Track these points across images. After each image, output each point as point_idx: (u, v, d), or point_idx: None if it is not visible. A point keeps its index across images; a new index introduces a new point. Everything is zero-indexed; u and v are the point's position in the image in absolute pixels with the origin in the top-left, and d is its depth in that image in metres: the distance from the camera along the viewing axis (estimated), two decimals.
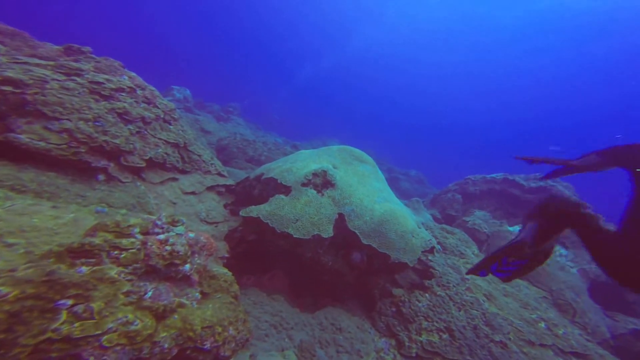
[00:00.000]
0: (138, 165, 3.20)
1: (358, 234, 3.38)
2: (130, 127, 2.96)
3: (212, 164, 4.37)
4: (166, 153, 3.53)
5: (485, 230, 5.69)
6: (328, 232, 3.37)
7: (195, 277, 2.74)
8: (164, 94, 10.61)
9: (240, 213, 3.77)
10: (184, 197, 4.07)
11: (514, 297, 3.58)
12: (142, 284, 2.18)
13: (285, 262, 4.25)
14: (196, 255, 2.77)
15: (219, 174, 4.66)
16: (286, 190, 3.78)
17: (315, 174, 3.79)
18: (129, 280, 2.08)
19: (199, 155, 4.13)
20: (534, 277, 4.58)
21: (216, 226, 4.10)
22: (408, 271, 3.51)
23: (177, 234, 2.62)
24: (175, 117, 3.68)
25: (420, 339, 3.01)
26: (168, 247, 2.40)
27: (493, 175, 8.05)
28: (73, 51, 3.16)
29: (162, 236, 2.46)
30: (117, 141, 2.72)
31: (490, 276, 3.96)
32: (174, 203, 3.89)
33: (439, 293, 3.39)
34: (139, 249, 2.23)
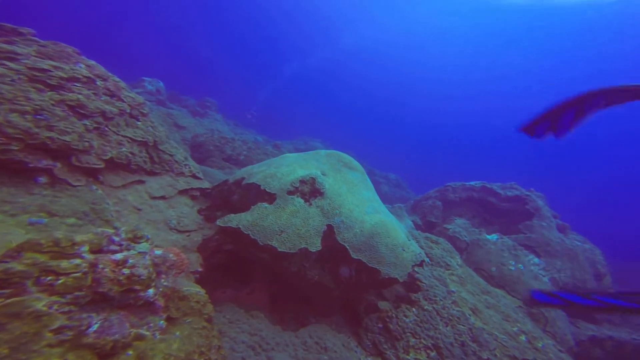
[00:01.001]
0: (94, 166, 2.73)
1: (347, 247, 3.17)
2: (87, 122, 2.50)
3: (185, 164, 3.94)
4: (131, 153, 3.07)
5: (465, 239, 5.78)
6: (316, 245, 3.12)
7: (161, 302, 2.37)
8: (134, 86, 9.70)
9: (218, 223, 3.41)
10: (151, 202, 3.61)
11: (496, 309, 3.61)
12: (84, 315, 1.79)
13: (266, 275, 3.94)
14: (163, 277, 2.40)
15: (194, 176, 4.23)
16: (270, 198, 3.48)
17: (303, 181, 3.52)
18: (65, 313, 1.69)
19: (171, 155, 3.69)
20: (510, 285, 4.70)
21: (188, 235, 3.70)
22: (396, 284, 3.38)
23: (139, 252, 2.23)
24: (144, 112, 3.23)
25: (408, 357, 2.88)
26: (126, 270, 2.02)
27: (472, 183, 8.28)
28: (5, 31, 2.59)
29: (119, 255, 2.07)
30: (66, 138, 2.26)
31: (472, 288, 3.97)
32: (139, 209, 3.43)
33: (426, 307, 3.29)
34: (85, 273, 1.84)
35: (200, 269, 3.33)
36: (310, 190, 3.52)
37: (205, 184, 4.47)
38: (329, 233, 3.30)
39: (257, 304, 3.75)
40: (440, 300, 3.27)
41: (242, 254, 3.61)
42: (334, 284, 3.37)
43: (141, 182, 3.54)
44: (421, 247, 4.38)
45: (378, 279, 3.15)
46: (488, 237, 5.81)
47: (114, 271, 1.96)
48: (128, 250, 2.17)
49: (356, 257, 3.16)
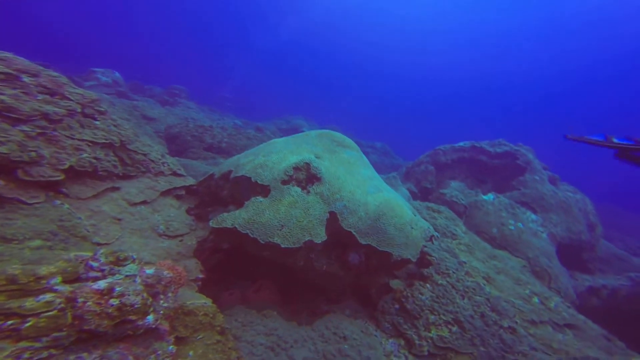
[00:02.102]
0: (51, 178, 2.29)
1: (354, 233, 2.97)
2: (25, 128, 2.02)
3: (163, 162, 3.50)
4: (95, 158, 2.62)
5: (462, 202, 5.77)
6: (321, 236, 2.90)
7: (165, 326, 2.11)
8: (84, 79, 8.54)
9: (211, 224, 3.09)
10: (132, 209, 3.21)
11: (506, 274, 3.64)
12: (72, 357, 1.53)
13: (272, 270, 3.74)
14: (161, 297, 2.11)
15: (175, 174, 3.80)
16: (263, 190, 3.16)
17: (296, 168, 3.20)
18: (45, 359, 1.43)
19: (145, 154, 3.23)
20: (512, 246, 4.78)
21: (181, 240, 3.37)
22: (408, 265, 3.27)
23: (126, 277, 1.91)
24: (101, 109, 2.72)
25: (430, 335, 2.84)
26: (114, 301, 1.71)
27: (461, 143, 8.19)
28: None
29: (102, 284, 1.76)
30: (1, 149, 1.81)
31: (480, 255, 3.96)
32: (119, 219, 3.04)
33: (439, 282, 3.23)
34: (61, 310, 1.55)
35: (201, 276, 3.06)
36: (306, 176, 3.22)
37: (190, 181, 4.07)
38: (332, 220, 3.08)
39: (267, 302, 3.58)
40: (453, 272, 3.20)
41: (244, 252, 3.36)
42: (343, 271, 3.22)
43: (115, 189, 3.11)
44: (425, 219, 4.27)
45: (390, 262, 3.02)
46: (484, 197, 5.82)
47: (99, 303, 1.65)
48: (112, 275, 1.86)
49: (365, 243, 2.98)
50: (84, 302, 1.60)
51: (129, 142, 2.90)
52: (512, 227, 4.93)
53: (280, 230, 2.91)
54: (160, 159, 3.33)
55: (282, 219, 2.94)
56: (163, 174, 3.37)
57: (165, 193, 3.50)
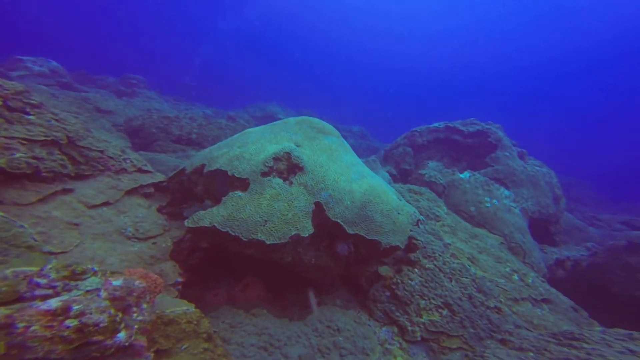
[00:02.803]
0: None
1: (341, 223, 2.86)
2: None
3: (124, 158, 3.11)
4: (34, 157, 2.21)
5: (441, 182, 5.90)
6: (308, 228, 2.75)
7: (142, 341, 1.88)
8: (7, 69, 7.24)
9: (186, 223, 2.82)
10: (91, 212, 2.84)
11: (488, 253, 3.78)
12: None
13: (258, 266, 3.57)
14: (134, 310, 1.87)
15: (140, 170, 3.42)
16: (242, 184, 2.92)
17: (276, 158, 2.98)
18: None
19: (101, 151, 2.83)
20: (489, 223, 4.99)
21: (154, 242, 3.08)
22: (397, 251, 3.25)
23: (86, 292, 1.66)
24: (34, 102, 2.28)
25: (422, 320, 2.87)
26: (72, 322, 1.46)
27: (435, 124, 8.33)
28: None
29: (54, 303, 1.49)
30: None
31: (463, 235, 4.06)
32: (76, 224, 2.68)
33: (427, 266, 3.26)
34: None
35: (180, 279, 2.83)
36: (287, 167, 3.01)
37: (158, 177, 3.70)
38: (318, 210, 2.94)
39: (255, 300, 3.42)
40: (439, 255, 3.24)
41: (225, 249, 3.15)
42: (333, 262, 3.13)
43: (68, 191, 2.72)
44: (408, 202, 4.28)
45: (379, 250, 2.97)
46: (461, 176, 5.98)
47: (49, 326, 1.39)
48: (69, 291, 1.59)
49: (352, 232, 2.88)
50: (26, 327, 1.33)
51: (79, 138, 2.50)
52: (489, 205, 5.14)
53: (264, 225, 2.72)
54: (120, 155, 2.94)
55: (265, 214, 2.75)
56: (126, 171, 3.00)
57: (131, 192, 3.13)
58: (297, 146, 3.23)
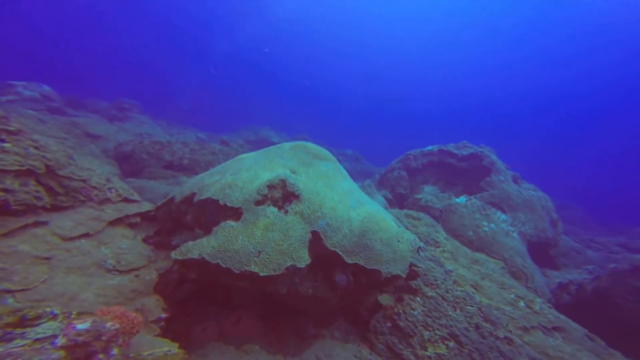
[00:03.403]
0: None
1: (340, 252, 2.72)
2: None
3: (109, 188, 2.95)
4: (3, 189, 2.05)
5: (437, 207, 5.85)
6: (304, 259, 2.59)
7: None
8: None
9: (173, 255, 2.63)
10: (67, 245, 2.62)
11: (491, 279, 3.63)
12: None
13: (251, 299, 3.32)
14: (100, 358, 1.65)
15: (126, 200, 3.25)
16: (235, 213, 2.79)
17: (271, 186, 2.88)
18: None
19: (83, 180, 2.68)
20: (488, 247, 4.89)
21: (137, 274, 2.85)
22: (398, 281, 3.08)
23: (33, 341, 1.47)
24: (11, 128, 2.17)
25: (427, 353, 2.65)
26: None
27: (429, 148, 8.46)
28: None
29: None
30: None
31: (464, 261, 3.93)
32: (47, 258, 2.46)
33: (429, 294, 3.08)
34: None
35: (163, 315, 2.58)
36: (282, 195, 2.91)
37: (146, 206, 3.52)
38: (315, 240, 2.80)
39: (248, 334, 3.13)
40: (442, 283, 3.08)
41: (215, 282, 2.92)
42: (331, 293, 2.93)
43: (40, 223, 2.52)
44: (406, 228, 4.17)
45: (379, 280, 2.80)
46: (457, 200, 5.96)
47: None
48: (8, 342, 1.38)
49: (351, 262, 2.73)
50: None
51: (60, 167, 2.36)
52: (487, 229, 5.07)
53: (257, 256, 2.55)
54: (105, 185, 2.79)
55: (259, 244, 2.59)
56: (110, 201, 2.83)
57: (115, 222, 2.94)
58: (292, 173, 3.15)
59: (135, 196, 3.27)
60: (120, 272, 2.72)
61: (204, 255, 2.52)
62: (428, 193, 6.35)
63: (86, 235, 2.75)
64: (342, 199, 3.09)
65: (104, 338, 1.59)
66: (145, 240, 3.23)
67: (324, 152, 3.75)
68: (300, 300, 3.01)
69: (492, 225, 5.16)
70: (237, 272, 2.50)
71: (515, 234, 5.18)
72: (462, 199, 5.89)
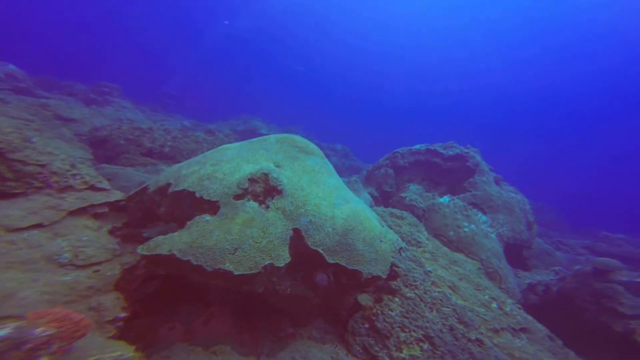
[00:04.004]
0: None
1: (322, 252, 2.63)
2: None
3: (73, 174, 2.72)
4: None
5: (421, 206, 5.89)
6: (284, 257, 2.49)
7: None
8: None
9: (139, 250, 2.45)
10: (13, 236, 2.39)
11: (467, 280, 3.68)
12: None
13: (225, 296, 3.20)
14: None
15: (92, 188, 3.01)
16: (211, 207, 2.64)
17: (252, 180, 2.75)
18: None
19: (41, 165, 2.44)
20: (467, 248, 4.98)
21: (97, 269, 2.66)
22: (379, 281, 3.05)
23: None
24: None
25: (402, 355, 2.65)
26: None
27: (417, 146, 8.50)
28: None
29: None
30: None
31: (443, 262, 3.96)
32: None
33: (408, 295, 3.08)
34: None
35: (122, 315, 2.41)
36: (264, 189, 2.78)
37: (116, 195, 3.29)
38: (297, 237, 2.70)
39: (219, 333, 3.01)
40: (421, 284, 3.08)
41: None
42: (310, 292, 2.86)
43: None
44: (390, 227, 4.15)
45: (360, 281, 2.75)
46: (441, 200, 6.02)
47: None
48: None
49: (333, 261, 2.66)
50: None
51: (12, 149, 2.13)
52: (467, 230, 5.16)
53: (233, 254, 2.42)
54: (69, 170, 2.56)
55: (235, 241, 2.46)
56: (73, 189, 2.61)
57: (77, 212, 2.72)
58: (276, 166, 3.02)
59: (105, 184, 3.05)
60: (78, 267, 2.52)
61: (175, 252, 2.37)
62: (413, 192, 6.38)
63: (39, 226, 2.52)
64: (327, 196, 3.00)
65: (27, 346, 1.41)
66: (111, 232, 3.02)
67: (311, 146, 3.63)
68: (277, 299, 2.93)
69: (473, 226, 5.26)
70: (210, 269, 2.37)
71: (493, 235, 5.30)
72: (445, 199, 5.96)
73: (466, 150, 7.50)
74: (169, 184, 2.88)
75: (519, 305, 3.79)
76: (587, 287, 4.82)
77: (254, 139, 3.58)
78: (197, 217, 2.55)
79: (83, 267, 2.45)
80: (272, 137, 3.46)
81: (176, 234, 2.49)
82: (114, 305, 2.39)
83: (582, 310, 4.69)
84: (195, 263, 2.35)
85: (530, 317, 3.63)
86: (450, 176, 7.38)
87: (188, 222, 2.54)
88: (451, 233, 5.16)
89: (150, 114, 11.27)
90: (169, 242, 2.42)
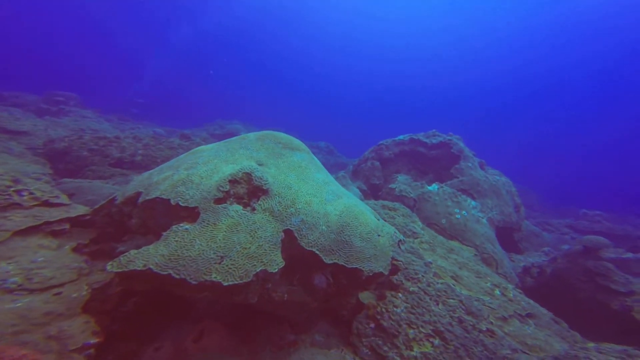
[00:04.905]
0: None
1: (317, 252, 2.41)
2: None
3: (18, 190, 2.32)
4: None
5: (412, 196, 5.81)
6: (277, 262, 2.24)
7: None
8: None
9: (108, 268, 2.12)
10: None
11: (468, 268, 3.60)
12: None
13: (216, 309, 2.90)
14: None
15: (46, 204, 2.61)
16: (190, 214, 2.34)
17: (234, 181, 2.47)
18: None
19: None
20: (461, 235, 4.94)
21: (58, 292, 2.30)
22: (381, 278, 2.87)
23: None
24: None
25: (413, 353, 2.48)
26: None
27: (400, 137, 8.47)
28: None
29: None
30: None
31: (441, 251, 3.86)
32: None
33: (411, 289, 2.93)
34: None
35: (92, 341, 2.09)
36: (247, 190, 2.51)
37: (78, 210, 2.89)
38: (289, 239, 2.46)
39: (214, 349, 2.70)
40: (423, 276, 2.94)
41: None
42: (309, 296, 2.63)
43: None
44: (384, 219, 3.99)
45: (361, 279, 2.56)
46: (430, 188, 5.98)
47: None
48: None
49: (330, 261, 2.44)
50: None
51: None
52: (459, 216, 5.13)
53: (219, 263, 2.15)
54: (11, 187, 2.17)
55: (221, 249, 2.18)
56: (20, 207, 2.22)
57: (27, 231, 2.32)
58: (259, 165, 2.76)
59: (62, 199, 2.65)
60: (31, 291, 2.15)
61: (151, 266, 2.05)
62: (402, 182, 6.30)
63: None
64: (317, 192, 2.78)
65: None
66: (76, 249, 2.64)
67: (295, 141, 3.40)
68: (274, 307, 2.67)
69: (464, 212, 5.24)
70: (195, 282, 2.08)
71: (484, 220, 5.31)
72: (434, 187, 5.92)
73: (449, 138, 7.55)
74: (138, 193, 2.55)
75: (519, 290, 3.76)
76: (579, 267, 4.91)
77: (232, 139, 3.29)
78: (173, 226, 2.24)
79: (39, 290, 2.08)
80: (252, 135, 3.19)
81: (151, 246, 2.17)
82: (81, 330, 2.05)
83: (577, 289, 4.76)
84: (177, 277, 2.05)
85: (532, 302, 3.60)
86: (436, 164, 7.39)
87: (164, 233, 2.23)
88: (444, 221, 5.11)
89: (117, 123, 10.52)
90: (143, 256, 2.10)
